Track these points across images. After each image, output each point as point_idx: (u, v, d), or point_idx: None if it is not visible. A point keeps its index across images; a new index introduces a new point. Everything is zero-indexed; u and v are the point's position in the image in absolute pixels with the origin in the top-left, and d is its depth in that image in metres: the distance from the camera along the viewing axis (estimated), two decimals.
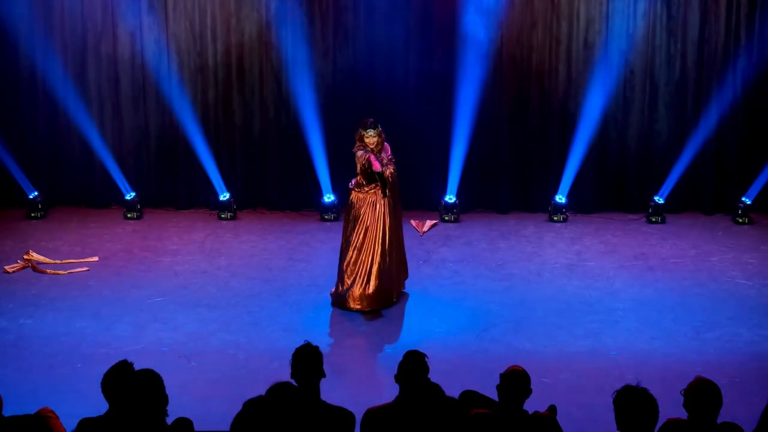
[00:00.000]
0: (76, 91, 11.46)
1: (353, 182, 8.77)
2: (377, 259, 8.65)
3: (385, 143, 8.74)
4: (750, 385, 7.23)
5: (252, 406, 4.54)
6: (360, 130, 8.63)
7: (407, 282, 9.13)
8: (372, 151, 8.57)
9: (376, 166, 8.46)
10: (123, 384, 4.68)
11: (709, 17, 11.23)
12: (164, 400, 4.66)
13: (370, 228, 8.65)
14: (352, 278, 8.67)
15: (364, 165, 8.59)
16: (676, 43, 11.32)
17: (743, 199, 11.39)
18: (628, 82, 11.42)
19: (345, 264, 8.71)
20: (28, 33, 11.36)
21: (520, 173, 11.71)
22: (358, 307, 8.67)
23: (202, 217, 11.52)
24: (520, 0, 11.22)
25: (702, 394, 4.63)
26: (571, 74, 11.42)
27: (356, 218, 8.67)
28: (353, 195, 8.73)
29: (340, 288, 8.74)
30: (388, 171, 8.66)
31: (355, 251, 8.65)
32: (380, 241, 8.65)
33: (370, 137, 8.58)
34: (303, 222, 11.37)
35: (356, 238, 8.65)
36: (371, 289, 8.65)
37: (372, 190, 8.66)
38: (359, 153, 8.61)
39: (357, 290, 8.65)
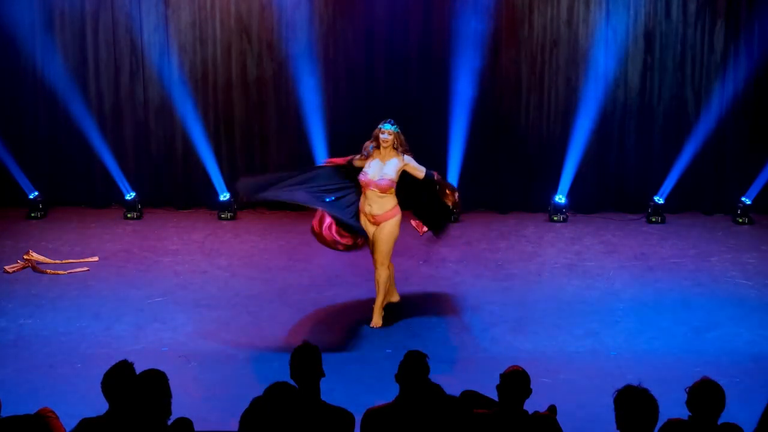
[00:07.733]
0: (76, 91, 11.47)
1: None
2: None
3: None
4: (750, 385, 7.22)
5: (258, 403, 4.55)
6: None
7: (407, 281, 9.11)
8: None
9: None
10: (123, 384, 4.69)
11: (710, 15, 11.24)
12: (168, 400, 4.66)
13: None
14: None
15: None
16: (676, 41, 11.33)
17: (743, 199, 11.39)
18: (628, 80, 11.43)
19: None
20: (29, 32, 11.36)
21: (520, 173, 11.71)
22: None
23: (202, 217, 11.52)
24: None
25: (707, 395, 4.64)
26: (571, 73, 11.42)
27: None
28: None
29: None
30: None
31: None
32: None
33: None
34: (303, 222, 11.31)
35: None
36: None
37: None
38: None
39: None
